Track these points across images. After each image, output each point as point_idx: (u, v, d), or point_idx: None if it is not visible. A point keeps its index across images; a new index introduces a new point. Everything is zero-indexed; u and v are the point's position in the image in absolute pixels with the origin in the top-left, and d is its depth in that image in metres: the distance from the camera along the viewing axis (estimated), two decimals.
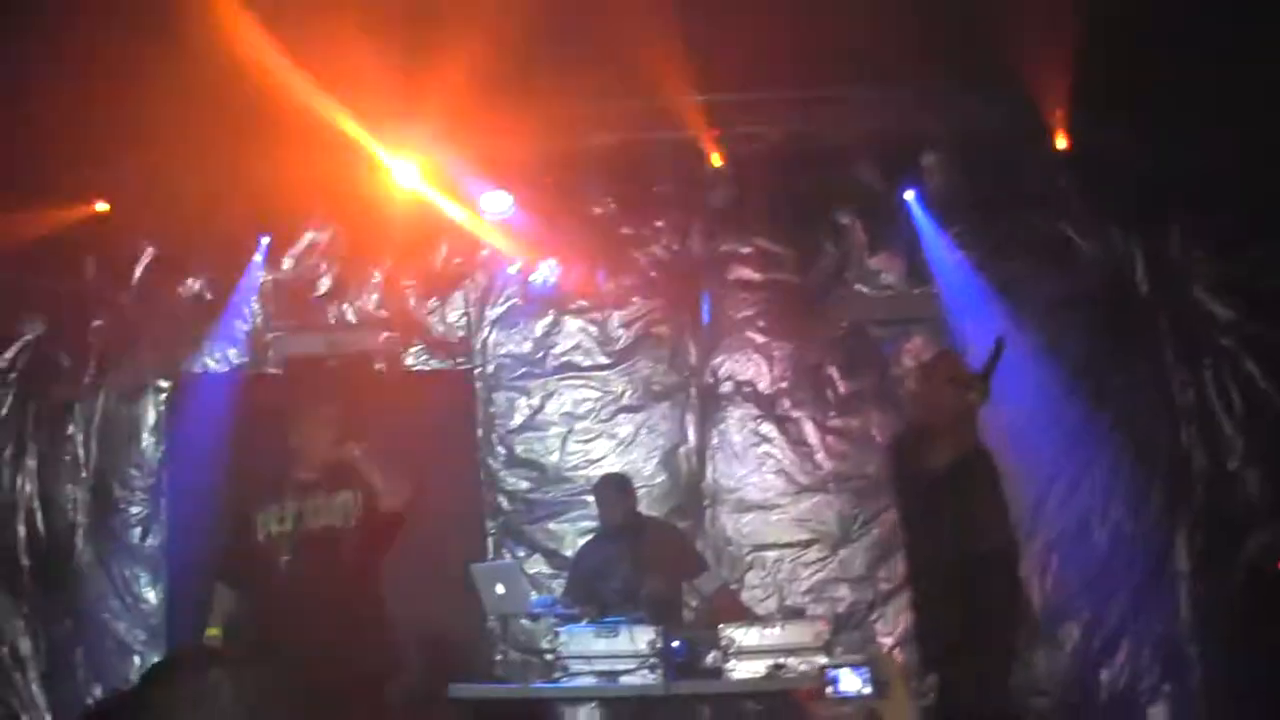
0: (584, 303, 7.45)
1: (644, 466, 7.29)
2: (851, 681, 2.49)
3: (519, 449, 7.40)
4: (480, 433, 7.42)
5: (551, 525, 7.32)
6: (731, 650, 5.62)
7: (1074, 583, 7.03)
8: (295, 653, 5.17)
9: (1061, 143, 6.90)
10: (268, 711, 1.88)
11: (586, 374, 7.42)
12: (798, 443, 7.26)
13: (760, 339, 7.35)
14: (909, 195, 7.16)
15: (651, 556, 6.35)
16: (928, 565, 5.05)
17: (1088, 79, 6.50)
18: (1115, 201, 7.16)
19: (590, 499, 6.91)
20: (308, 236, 7.48)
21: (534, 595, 6.89)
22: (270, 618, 5.53)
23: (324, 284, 7.53)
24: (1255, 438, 6.98)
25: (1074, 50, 6.29)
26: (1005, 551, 4.99)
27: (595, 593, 6.36)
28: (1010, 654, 5.07)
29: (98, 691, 7.16)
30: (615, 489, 6.58)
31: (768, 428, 7.29)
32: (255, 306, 7.49)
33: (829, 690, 2.53)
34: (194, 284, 7.49)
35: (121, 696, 1.93)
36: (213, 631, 5.62)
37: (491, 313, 7.50)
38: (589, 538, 6.93)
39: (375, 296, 7.49)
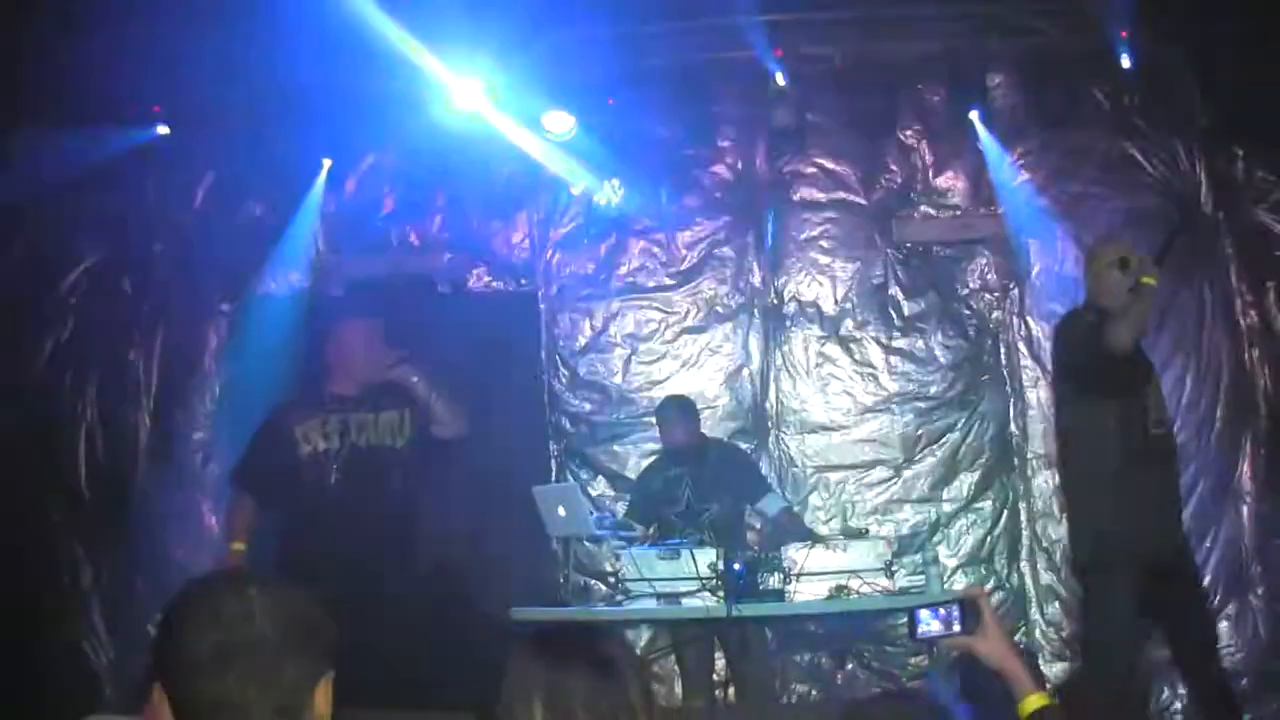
0: (647, 223, 7.51)
1: (707, 388, 7.35)
2: (934, 623, 2.49)
3: (582, 370, 7.47)
4: (544, 354, 7.50)
5: (615, 447, 7.39)
6: (794, 572, 5.72)
7: None
8: (334, 574, 5.26)
9: (1126, 62, 6.95)
10: (301, 633, 1.86)
11: (650, 295, 7.48)
12: (861, 363, 7.32)
13: (824, 259, 7.41)
14: (974, 115, 7.18)
15: (714, 479, 6.43)
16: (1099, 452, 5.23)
17: None
18: (1180, 121, 7.21)
19: (653, 421, 6.96)
20: (370, 158, 7.55)
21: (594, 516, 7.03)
22: (314, 538, 5.61)
23: (386, 206, 7.60)
24: None
25: None
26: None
27: (658, 515, 6.47)
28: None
29: (158, 619, 7.26)
30: (678, 411, 6.62)
31: (832, 348, 7.35)
32: (317, 229, 7.55)
33: (918, 632, 2.54)
34: (255, 207, 7.57)
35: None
36: (238, 547, 5.70)
37: (555, 234, 7.57)
38: (652, 459, 7.02)
39: (438, 218, 7.56)
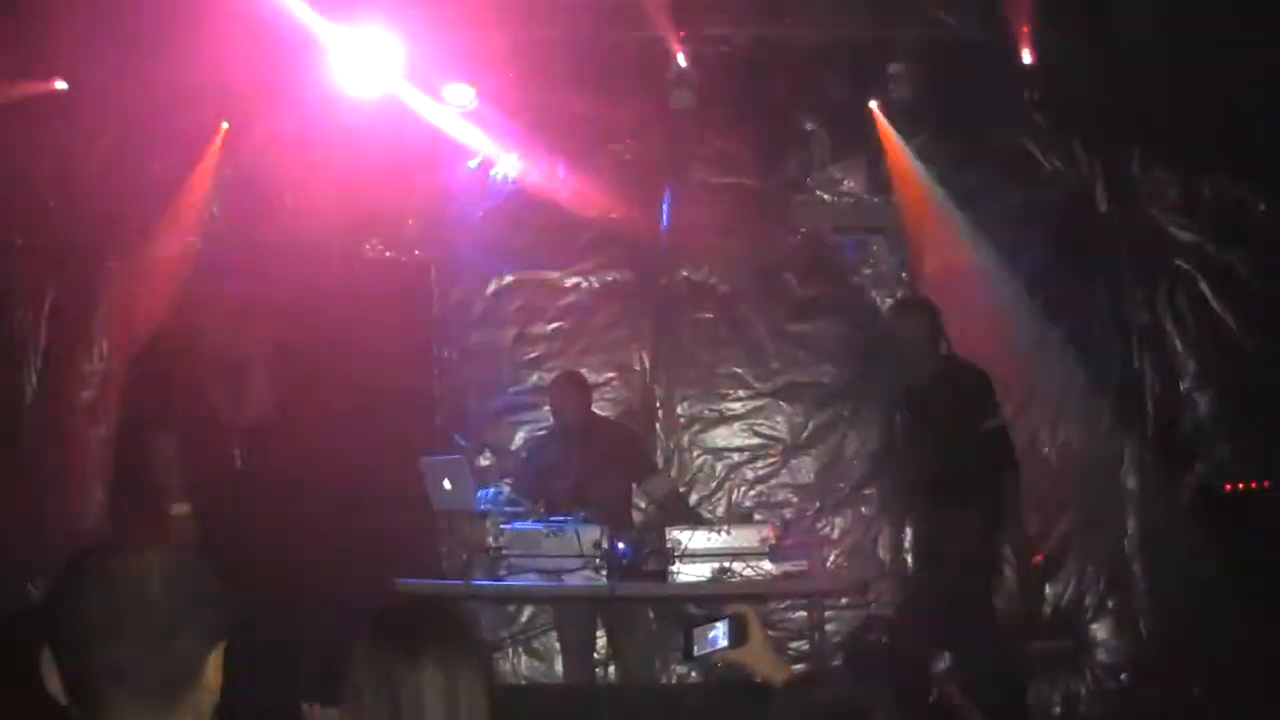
0: (544, 199, 7.73)
1: (598, 366, 7.63)
2: (707, 642, 2.77)
3: (473, 343, 7.73)
4: (435, 326, 7.76)
5: (503, 421, 7.65)
6: (677, 553, 5.98)
7: (1023, 498, 7.30)
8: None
9: (1027, 57, 7.23)
10: (195, 601, 1.86)
11: (544, 270, 7.75)
12: (753, 347, 7.61)
13: (719, 242, 7.69)
14: (873, 104, 7.47)
15: (603, 456, 6.68)
16: None
17: None
18: (1078, 118, 7.52)
19: (543, 397, 7.28)
20: (268, 123, 7.74)
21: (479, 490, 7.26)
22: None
23: (282, 171, 7.76)
24: (1207, 360, 7.39)
25: None
26: None
27: (544, 490, 6.69)
28: None
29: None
30: (570, 387, 6.87)
31: (724, 331, 7.64)
32: (213, 192, 7.76)
33: (695, 650, 2.83)
34: (152, 166, 7.74)
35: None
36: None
37: (451, 206, 7.83)
38: (540, 434, 7.29)
39: (334, 186, 7.71)
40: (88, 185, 7.71)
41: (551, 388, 7.02)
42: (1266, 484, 7.01)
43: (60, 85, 7.45)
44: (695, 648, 2.68)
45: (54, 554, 7.39)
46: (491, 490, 7.27)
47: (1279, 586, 6.62)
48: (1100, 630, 7.33)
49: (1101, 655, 7.29)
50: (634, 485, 6.84)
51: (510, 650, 7.57)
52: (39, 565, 7.39)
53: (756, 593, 6.07)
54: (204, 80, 7.41)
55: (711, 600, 6.30)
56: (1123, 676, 7.24)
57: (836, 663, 6.87)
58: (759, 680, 2.73)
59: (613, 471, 6.69)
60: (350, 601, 6.61)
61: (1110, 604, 7.33)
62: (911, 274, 7.59)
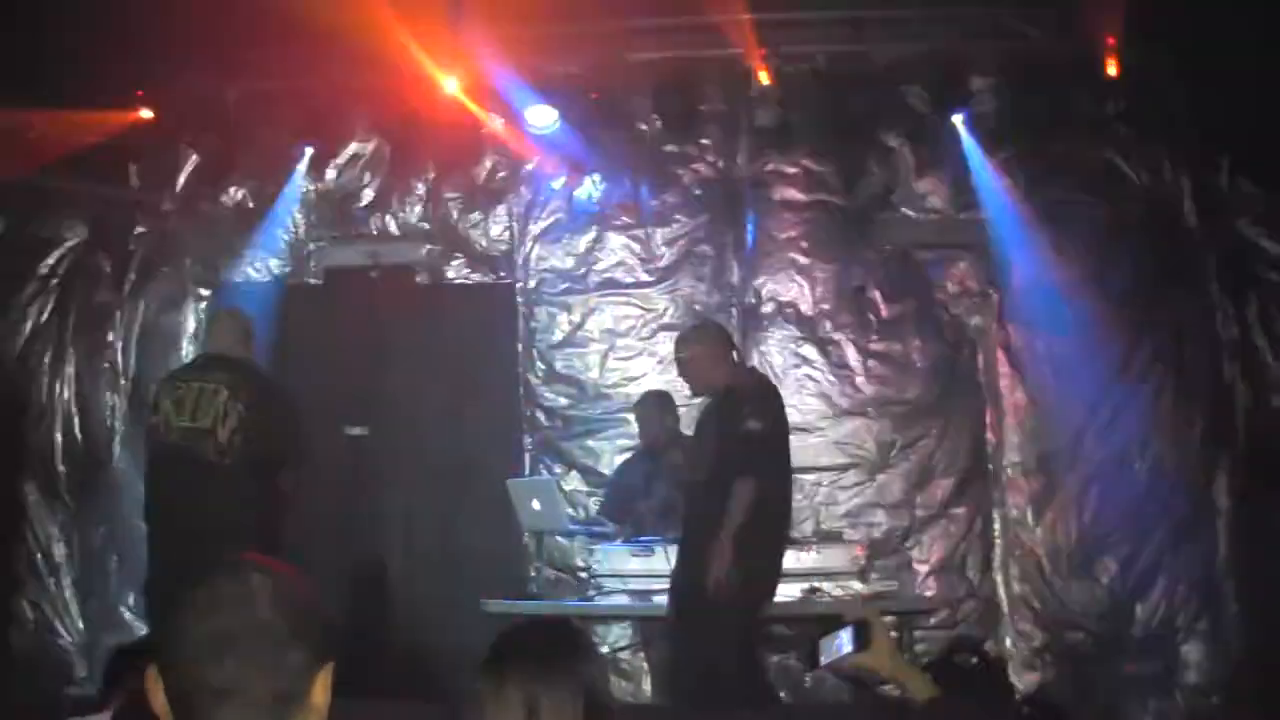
0: (627, 219, 7.95)
1: (684, 386, 7.78)
2: (834, 649, 2.92)
3: (559, 365, 7.91)
4: (520, 348, 7.94)
5: (589, 442, 7.83)
6: None
7: (1112, 517, 7.47)
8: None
9: (1112, 70, 7.32)
10: (302, 620, 1.89)
11: (628, 291, 7.93)
12: (838, 366, 7.73)
13: (803, 260, 7.82)
14: (957, 119, 7.58)
15: None
16: None
17: (1141, 6, 6.93)
18: (1165, 131, 7.60)
19: (629, 416, 7.45)
20: (352, 147, 8.02)
21: (569, 512, 7.46)
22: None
23: (367, 195, 8.07)
24: None
25: None
26: None
27: (632, 510, 6.86)
28: None
29: (130, 599, 7.74)
30: (657, 407, 7.04)
31: (808, 350, 7.75)
32: (297, 216, 8.04)
33: (822, 659, 2.96)
34: (236, 193, 8.07)
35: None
36: None
37: (534, 227, 8.02)
38: (628, 455, 7.48)
39: (418, 209, 8.03)
40: (174, 211, 8.04)
41: (637, 407, 7.19)
42: None
43: (146, 113, 7.75)
44: (822, 657, 2.78)
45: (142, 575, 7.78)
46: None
47: None
48: (1191, 651, 7.35)
49: (1192, 677, 7.32)
50: None
51: None
52: (129, 586, 7.73)
53: (844, 612, 6.13)
54: (287, 105, 7.71)
55: (800, 620, 6.46)
56: (1214, 699, 7.26)
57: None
58: (887, 683, 2.81)
59: None
60: (438, 620, 6.97)
61: (1201, 625, 7.36)
62: (998, 290, 7.71)
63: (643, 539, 6.59)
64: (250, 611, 1.86)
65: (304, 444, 6.10)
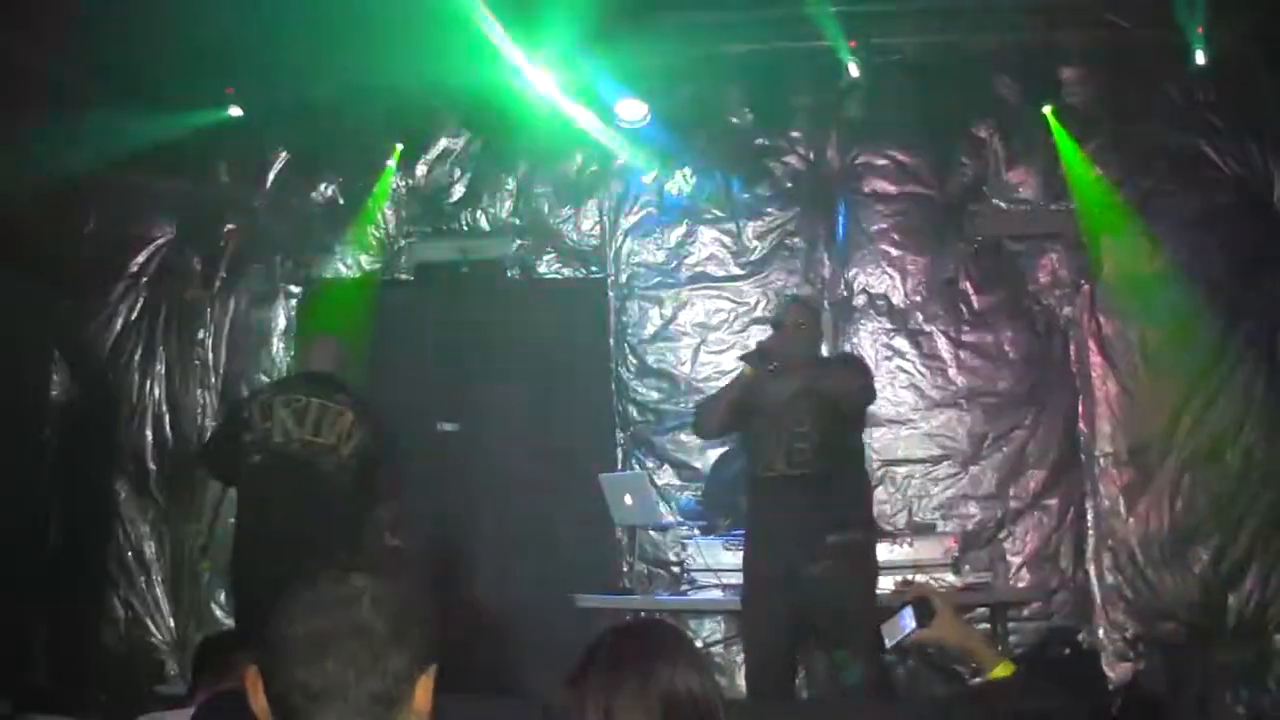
0: (718, 213, 8.06)
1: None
2: (900, 629, 3.02)
3: (650, 359, 8.03)
4: (612, 342, 8.06)
5: (682, 436, 7.90)
6: None
7: (1204, 505, 7.54)
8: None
9: (1201, 58, 7.42)
10: (404, 623, 1.95)
11: (720, 284, 8.03)
12: (930, 357, 7.81)
13: (894, 252, 7.92)
14: (1047, 109, 7.68)
15: None
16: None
17: None
18: (1254, 119, 7.66)
19: None
20: (442, 142, 8.15)
21: (662, 507, 7.58)
22: None
23: (457, 190, 8.20)
24: None
25: None
26: None
27: (732, 503, 6.91)
28: None
29: (221, 596, 7.91)
30: None
31: (900, 341, 7.84)
32: (388, 212, 8.17)
33: (888, 642, 3.05)
34: (326, 189, 8.21)
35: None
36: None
37: (625, 222, 8.15)
38: (727, 447, 7.52)
39: (509, 204, 8.16)
40: (263, 208, 8.20)
41: None
42: None
43: (235, 111, 7.88)
44: (887, 640, 2.91)
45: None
46: (685, 498, 7.61)
47: None
48: None
49: None
50: None
51: None
52: (220, 583, 7.91)
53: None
54: (377, 100, 7.84)
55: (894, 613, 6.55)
56: None
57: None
58: (958, 651, 2.95)
59: None
60: (533, 616, 7.10)
61: None
62: (1090, 280, 7.82)
63: (736, 533, 6.72)
64: (351, 614, 1.92)
65: (396, 478, 6.25)
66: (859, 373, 6.07)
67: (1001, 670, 2.85)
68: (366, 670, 1.90)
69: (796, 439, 5.68)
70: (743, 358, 5.96)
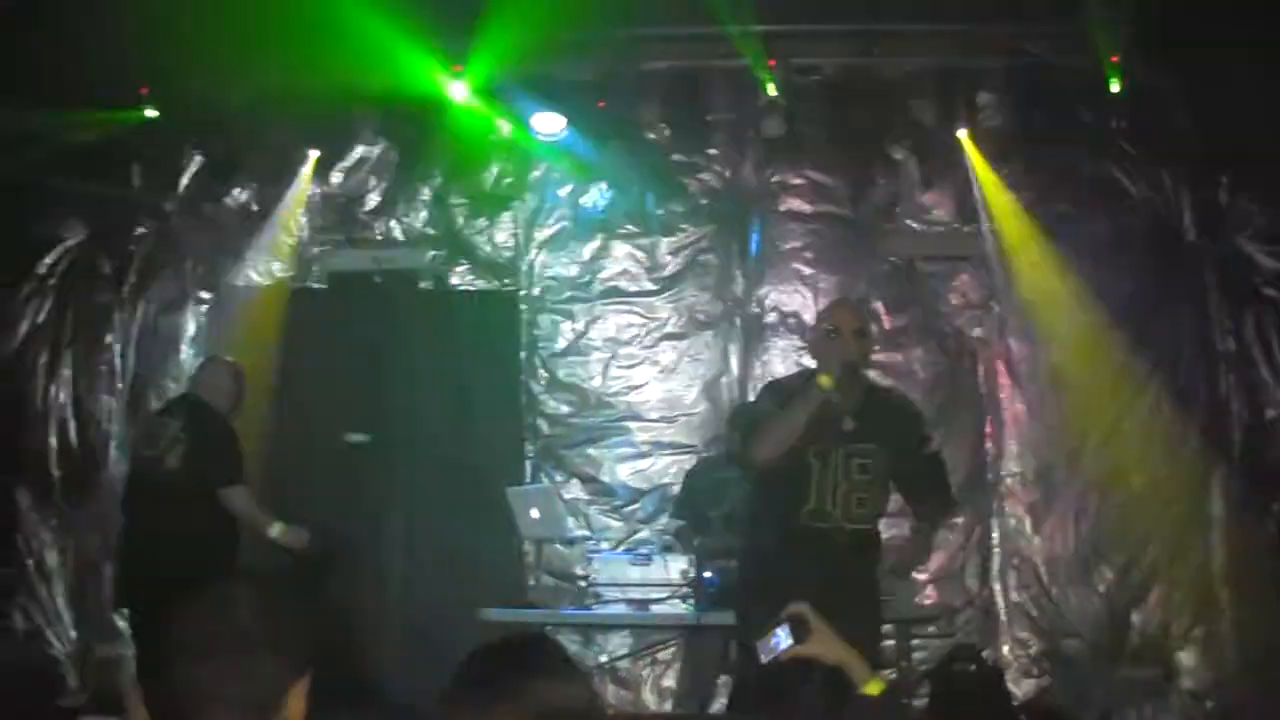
0: (633, 228, 8.15)
1: (685, 395, 8.03)
2: (774, 646, 3.15)
3: (561, 373, 8.11)
4: (524, 355, 8.12)
5: (590, 451, 8.03)
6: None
7: (1109, 525, 7.77)
8: None
9: (1116, 86, 7.58)
10: (280, 631, 2.03)
11: (632, 300, 8.13)
12: None
13: (807, 271, 8.06)
14: (962, 133, 7.83)
15: None
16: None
17: (1145, 23, 7.24)
18: (1167, 147, 7.87)
19: (631, 425, 7.90)
20: (358, 150, 8.18)
21: (568, 521, 7.63)
22: None
23: (372, 199, 8.23)
24: None
25: None
26: None
27: (700, 514, 7.04)
28: None
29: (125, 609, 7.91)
30: None
31: (811, 361, 8.01)
32: (301, 220, 8.17)
33: (762, 658, 3.19)
34: (240, 195, 8.20)
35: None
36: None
37: (540, 235, 8.21)
38: (703, 457, 7.70)
39: (423, 214, 8.20)
40: (176, 213, 8.18)
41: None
42: None
43: (150, 113, 7.87)
44: (762, 656, 2.97)
45: None
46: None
47: None
48: (1187, 658, 7.65)
49: (1188, 683, 7.62)
50: None
51: (597, 680, 7.88)
52: None
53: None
54: (293, 107, 7.87)
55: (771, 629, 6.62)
56: (1209, 704, 7.57)
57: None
58: (832, 665, 2.97)
59: None
60: (436, 629, 7.17)
61: (1197, 632, 7.65)
62: (1000, 303, 7.99)
63: (640, 549, 6.94)
64: (232, 619, 2.01)
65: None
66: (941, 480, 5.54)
67: (874, 686, 2.94)
68: (244, 674, 1.98)
69: (858, 487, 5.10)
70: (817, 368, 5.11)
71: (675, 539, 7.27)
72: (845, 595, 4.84)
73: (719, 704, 7.07)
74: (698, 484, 7.30)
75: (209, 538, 6.16)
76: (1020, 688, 7.69)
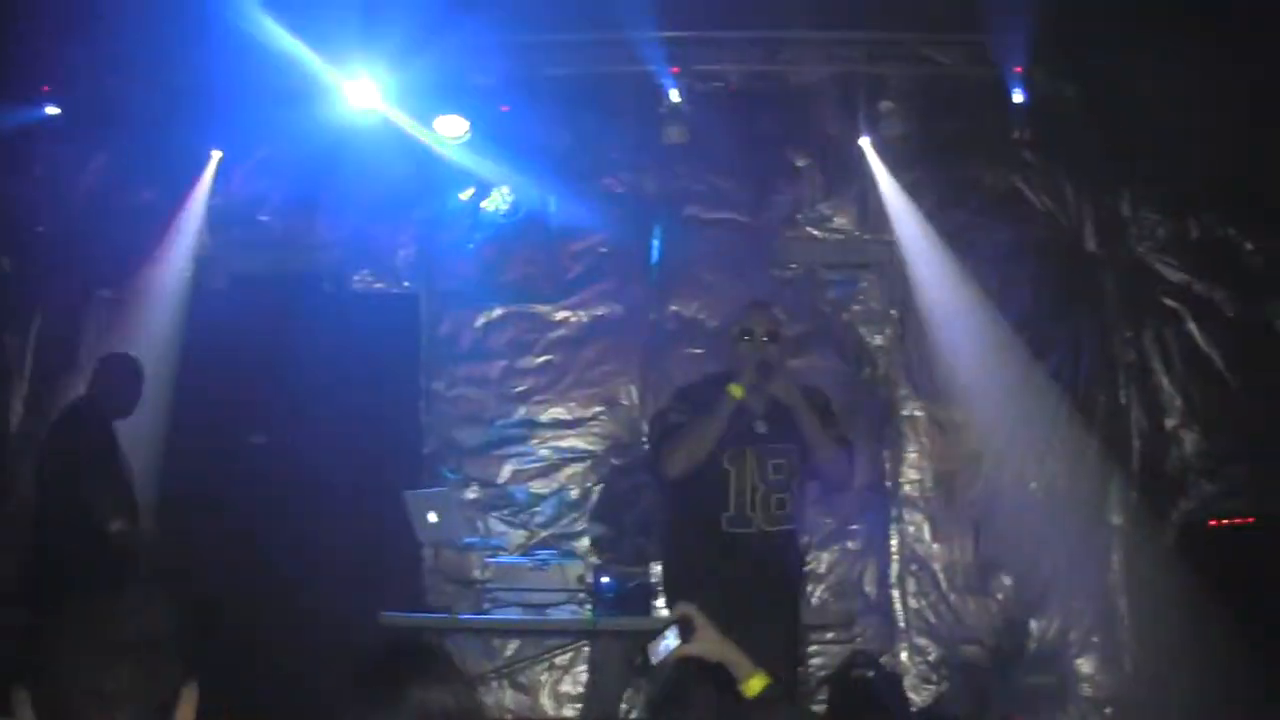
0: (534, 233, 8.18)
1: (585, 401, 8.09)
2: (662, 647, 3.23)
3: (461, 376, 8.14)
4: (423, 358, 8.16)
5: (489, 455, 8.06)
6: (661, 587, 6.25)
7: (1008, 533, 7.85)
8: None
9: (1019, 96, 7.69)
10: (172, 637, 2.05)
11: (533, 304, 8.16)
12: None
13: (709, 277, 8.11)
14: (865, 141, 7.93)
15: None
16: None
17: (1048, 34, 7.35)
18: (1069, 157, 8.00)
19: (530, 430, 7.99)
20: (261, 152, 8.18)
21: (466, 525, 7.63)
22: None
23: (274, 201, 8.23)
24: (1193, 397, 7.87)
25: (1035, 5, 7.11)
26: None
27: (618, 517, 7.18)
28: None
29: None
30: None
31: (713, 366, 8.00)
32: (204, 221, 8.17)
33: (652, 660, 3.27)
34: (144, 194, 8.18)
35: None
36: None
37: (441, 238, 8.24)
38: (617, 463, 7.78)
39: (325, 216, 8.19)
40: (78, 211, 8.17)
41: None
42: (1250, 520, 7.47)
43: (52, 109, 7.89)
44: (652, 658, 3.07)
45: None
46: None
47: (1262, 621, 7.15)
48: (1085, 665, 7.76)
49: (1087, 690, 7.73)
50: None
51: (496, 684, 7.95)
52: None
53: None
54: (197, 109, 7.90)
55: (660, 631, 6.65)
56: (1108, 711, 7.69)
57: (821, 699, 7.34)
58: (716, 662, 3.07)
59: None
60: (334, 633, 7.18)
61: (1095, 639, 7.77)
62: (901, 311, 8.06)
63: (537, 554, 7.01)
64: (142, 623, 2.03)
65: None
66: (847, 460, 5.61)
67: (758, 682, 3.04)
68: (154, 677, 2.01)
69: (775, 488, 5.25)
70: (729, 375, 5.31)
71: (592, 544, 7.36)
72: (768, 597, 5.21)
73: (622, 708, 7.10)
74: (614, 490, 7.40)
75: (101, 540, 6.24)
76: (919, 694, 7.75)
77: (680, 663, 3.12)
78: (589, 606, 6.49)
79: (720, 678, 3.09)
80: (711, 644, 3.07)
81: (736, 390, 5.14)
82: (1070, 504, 7.90)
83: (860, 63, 8.00)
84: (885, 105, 7.99)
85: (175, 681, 2.06)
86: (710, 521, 5.21)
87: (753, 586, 5.19)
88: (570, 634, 7.35)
